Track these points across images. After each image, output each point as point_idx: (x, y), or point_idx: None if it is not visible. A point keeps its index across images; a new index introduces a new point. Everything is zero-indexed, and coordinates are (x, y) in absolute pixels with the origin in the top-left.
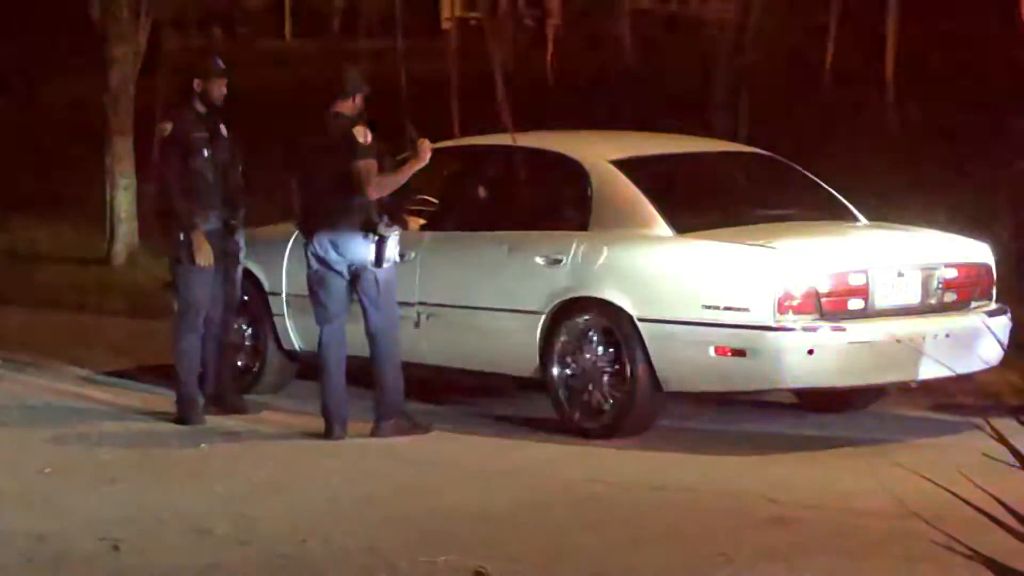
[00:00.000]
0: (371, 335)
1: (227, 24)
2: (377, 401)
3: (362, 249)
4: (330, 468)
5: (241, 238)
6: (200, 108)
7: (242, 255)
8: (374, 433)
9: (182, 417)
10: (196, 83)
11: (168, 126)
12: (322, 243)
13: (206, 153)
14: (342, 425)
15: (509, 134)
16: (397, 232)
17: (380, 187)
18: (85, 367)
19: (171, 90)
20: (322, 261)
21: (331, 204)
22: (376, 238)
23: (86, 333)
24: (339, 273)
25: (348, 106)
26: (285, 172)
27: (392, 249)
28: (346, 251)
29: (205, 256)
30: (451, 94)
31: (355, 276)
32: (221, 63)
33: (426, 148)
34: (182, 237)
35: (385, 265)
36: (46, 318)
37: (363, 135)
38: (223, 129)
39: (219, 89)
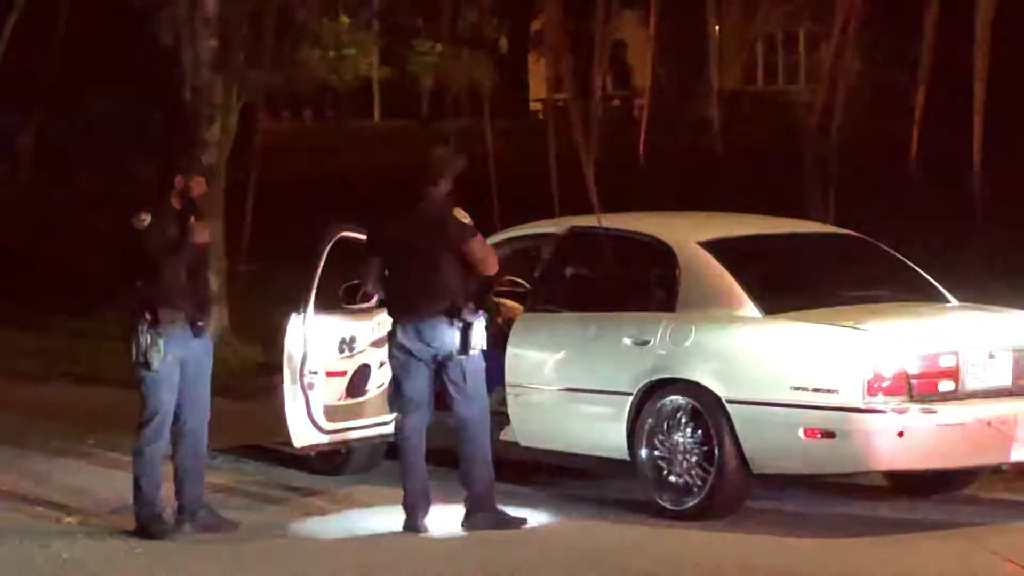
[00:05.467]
0: (459, 426)
1: (317, 105)
2: (466, 494)
3: (448, 336)
4: (415, 549)
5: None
6: (176, 204)
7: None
8: (464, 526)
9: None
10: (178, 180)
11: (146, 218)
12: (407, 330)
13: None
14: (423, 516)
15: (596, 216)
16: (483, 318)
17: (496, 264)
18: None
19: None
20: (405, 349)
21: (419, 289)
22: (462, 324)
23: None
24: (423, 361)
25: (439, 188)
26: (365, 256)
27: (478, 336)
28: (432, 338)
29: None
30: (542, 175)
31: (441, 365)
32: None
33: None
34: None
35: (472, 352)
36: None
37: (464, 216)
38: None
39: (199, 187)
